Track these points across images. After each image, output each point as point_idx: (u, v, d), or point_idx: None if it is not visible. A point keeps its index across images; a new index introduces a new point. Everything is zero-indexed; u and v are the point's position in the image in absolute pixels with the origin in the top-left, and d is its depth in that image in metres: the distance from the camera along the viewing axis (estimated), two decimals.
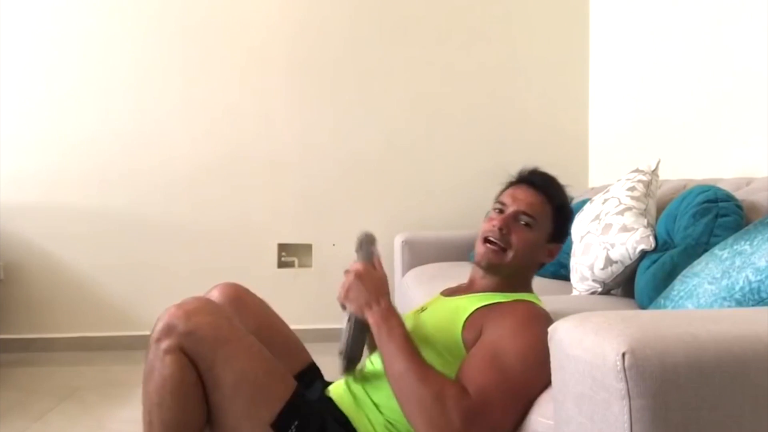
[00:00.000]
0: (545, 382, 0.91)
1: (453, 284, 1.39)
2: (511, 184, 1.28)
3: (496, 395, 0.94)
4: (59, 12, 2.90)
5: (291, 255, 3.08)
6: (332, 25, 3.07)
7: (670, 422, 0.65)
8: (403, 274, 2.71)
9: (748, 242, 1.04)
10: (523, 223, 1.18)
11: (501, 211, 1.21)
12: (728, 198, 1.50)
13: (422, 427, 0.94)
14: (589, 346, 0.70)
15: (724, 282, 1.02)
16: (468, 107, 3.15)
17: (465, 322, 1.09)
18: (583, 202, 2.15)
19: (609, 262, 1.71)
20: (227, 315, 1.13)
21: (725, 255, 1.08)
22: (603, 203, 1.86)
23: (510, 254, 1.16)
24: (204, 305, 1.10)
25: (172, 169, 2.96)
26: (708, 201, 1.50)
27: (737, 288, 0.99)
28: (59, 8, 2.90)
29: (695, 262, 1.19)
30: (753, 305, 0.96)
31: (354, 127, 3.09)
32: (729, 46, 2.04)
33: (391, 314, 1.07)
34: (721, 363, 0.67)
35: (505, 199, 1.23)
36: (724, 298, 1.00)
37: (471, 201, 3.12)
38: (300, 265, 3.09)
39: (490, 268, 1.18)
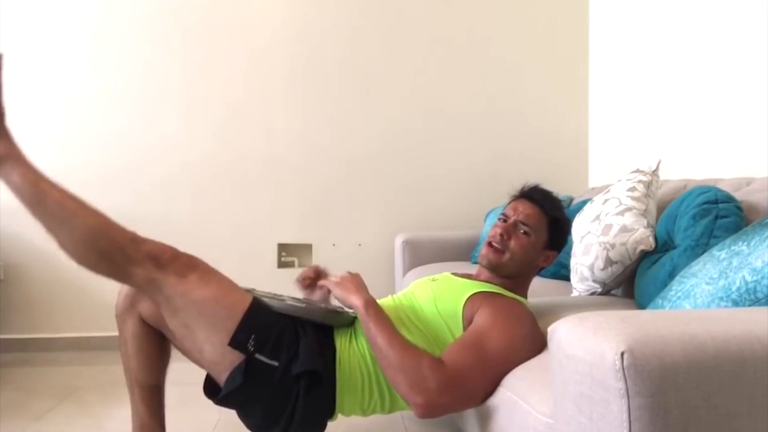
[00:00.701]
0: (516, 364, 1.13)
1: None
2: (514, 198, 1.47)
3: (470, 369, 1.12)
4: (61, 14, 2.90)
5: (291, 255, 3.09)
6: (333, 27, 3.07)
7: (668, 421, 0.65)
8: (404, 274, 2.71)
9: (745, 243, 1.05)
10: (521, 231, 1.38)
11: (505, 221, 1.41)
12: (728, 199, 1.50)
13: (404, 387, 1.11)
14: (588, 346, 0.71)
15: (722, 282, 1.02)
16: (468, 107, 3.15)
17: (468, 298, 1.28)
18: (584, 203, 2.15)
19: (609, 262, 1.71)
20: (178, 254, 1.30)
21: (723, 256, 1.09)
22: (603, 203, 1.86)
23: (507, 255, 1.37)
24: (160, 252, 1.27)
25: (173, 170, 2.96)
26: (708, 202, 1.50)
27: (734, 288, 0.99)
28: (61, 10, 2.90)
29: (693, 263, 1.19)
30: (749, 305, 0.96)
31: (354, 127, 3.10)
32: (729, 46, 2.04)
33: (374, 302, 1.27)
34: (719, 362, 0.67)
35: (508, 211, 1.43)
36: (721, 299, 1.00)
37: (471, 201, 3.13)
38: (300, 265, 3.09)
39: (490, 266, 1.39)
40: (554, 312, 1.41)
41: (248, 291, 1.34)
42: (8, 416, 2.02)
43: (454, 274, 1.49)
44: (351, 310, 1.34)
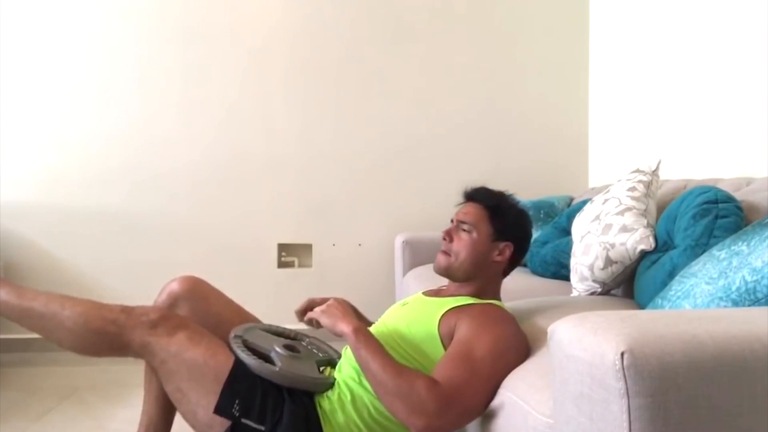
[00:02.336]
0: (510, 369, 1.12)
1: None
2: (458, 204, 1.48)
3: (465, 382, 1.09)
4: (59, 12, 2.90)
5: (291, 255, 3.09)
6: (333, 27, 3.07)
7: (668, 421, 0.65)
8: (404, 274, 2.71)
9: (745, 243, 1.05)
10: (462, 230, 1.38)
11: (449, 228, 1.42)
12: (728, 199, 1.50)
13: (402, 413, 1.08)
14: (588, 346, 0.71)
15: (721, 282, 1.02)
16: (468, 107, 3.15)
17: (441, 318, 1.25)
18: (584, 203, 2.15)
19: (609, 262, 1.71)
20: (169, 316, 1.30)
21: (723, 255, 1.09)
22: (603, 203, 1.86)
23: (453, 258, 1.36)
24: (151, 317, 1.27)
25: (173, 169, 2.96)
26: (708, 202, 1.50)
27: (734, 288, 0.99)
28: (60, 9, 2.90)
29: (693, 263, 1.19)
30: (749, 305, 0.96)
31: (354, 127, 3.10)
32: (729, 46, 2.05)
33: (363, 327, 1.22)
34: (719, 362, 0.67)
35: (453, 217, 1.45)
36: (721, 298, 1.00)
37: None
38: (300, 265, 3.09)
39: (442, 272, 1.39)
40: (554, 312, 1.41)
41: (238, 336, 1.34)
42: (9, 416, 2.02)
43: (425, 293, 1.46)
44: (328, 376, 1.32)
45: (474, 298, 1.32)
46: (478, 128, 3.16)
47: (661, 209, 1.77)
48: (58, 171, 2.92)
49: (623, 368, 0.65)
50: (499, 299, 1.41)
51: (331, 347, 1.50)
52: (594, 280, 1.79)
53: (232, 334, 1.34)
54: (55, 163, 2.92)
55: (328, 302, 1.32)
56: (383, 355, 1.15)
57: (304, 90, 3.06)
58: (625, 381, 0.65)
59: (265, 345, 1.35)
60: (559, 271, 2.16)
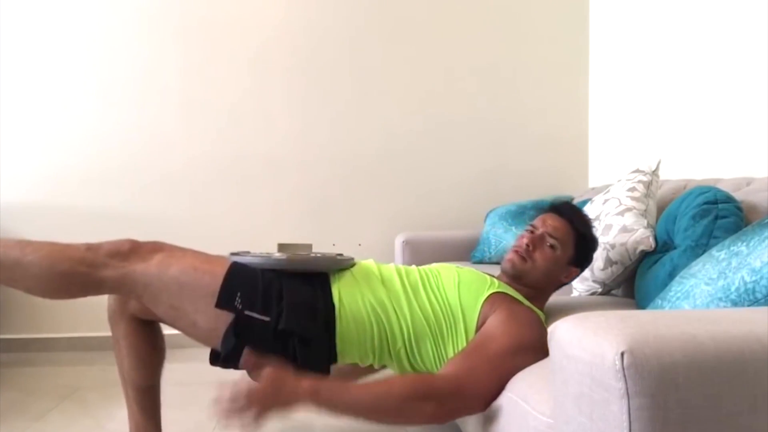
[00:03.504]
0: (521, 368, 1.10)
1: None
2: (543, 212, 1.47)
3: (475, 369, 1.09)
4: (59, 12, 2.90)
5: None
6: (332, 26, 3.07)
7: (668, 421, 0.65)
8: None
9: (744, 243, 1.05)
10: (548, 244, 1.37)
11: (532, 232, 1.41)
12: (728, 199, 1.50)
13: (422, 421, 1.06)
14: (588, 346, 0.71)
15: (720, 283, 1.03)
16: (468, 107, 3.15)
17: (489, 295, 1.26)
18: (584, 203, 2.15)
19: (609, 262, 1.71)
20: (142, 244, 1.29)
21: (722, 256, 1.09)
22: (603, 204, 1.86)
23: (530, 264, 1.36)
24: (124, 250, 1.27)
25: (172, 170, 2.96)
26: (708, 202, 1.50)
27: (733, 289, 0.99)
28: (60, 9, 2.90)
29: (693, 263, 1.19)
30: (748, 306, 0.96)
31: (354, 127, 3.10)
32: (729, 46, 2.05)
33: (316, 386, 1.04)
34: (719, 362, 0.67)
35: (537, 223, 1.42)
36: (720, 299, 1.00)
37: (471, 201, 3.13)
38: None
39: (515, 271, 1.37)
40: (554, 312, 1.41)
41: (234, 254, 1.33)
42: (9, 416, 2.03)
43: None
44: (345, 256, 1.30)
45: (522, 297, 1.32)
46: (479, 128, 3.16)
47: (661, 209, 1.77)
48: (58, 171, 2.92)
49: (623, 368, 0.65)
50: (542, 311, 1.39)
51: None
52: (594, 281, 1.79)
53: (228, 254, 1.32)
54: (55, 163, 2.92)
55: (257, 385, 1.02)
56: (362, 392, 1.06)
57: (304, 90, 3.06)
58: (625, 381, 0.65)
59: (263, 257, 1.32)
60: None
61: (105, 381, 2.39)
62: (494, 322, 1.20)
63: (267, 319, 1.17)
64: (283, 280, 1.24)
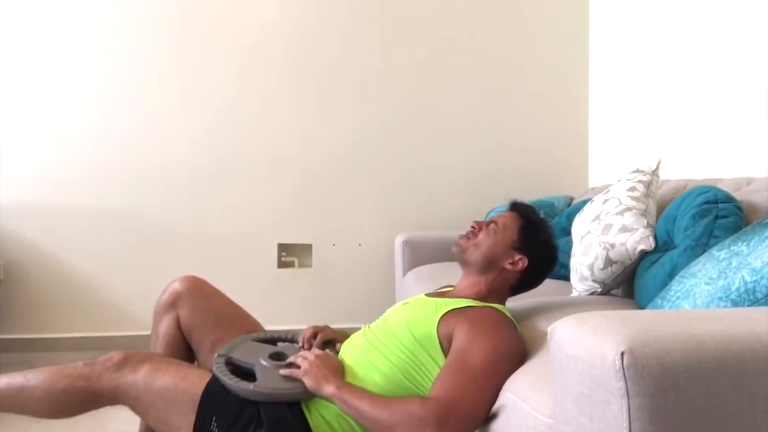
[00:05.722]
0: (507, 375, 1.12)
1: (453, 284, 1.45)
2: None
3: (462, 392, 1.09)
4: (59, 12, 2.90)
5: (291, 255, 3.09)
6: (331, 25, 3.07)
7: (668, 421, 0.65)
8: (404, 274, 2.71)
9: (745, 243, 1.05)
10: (490, 226, 1.44)
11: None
12: (728, 199, 1.50)
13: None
14: (588, 346, 0.71)
15: (721, 282, 1.02)
16: (468, 107, 3.15)
17: (441, 319, 1.26)
18: (584, 203, 2.15)
19: (609, 262, 1.71)
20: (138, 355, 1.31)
21: (722, 256, 1.09)
22: (603, 203, 1.86)
23: (472, 243, 1.42)
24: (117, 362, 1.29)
25: (172, 169, 2.97)
26: (708, 202, 1.50)
27: (733, 288, 0.99)
28: (59, 9, 2.90)
29: (693, 263, 1.19)
30: (748, 305, 0.96)
31: (354, 127, 3.10)
32: (729, 46, 2.05)
33: (346, 384, 1.21)
34: (719, 362, 0.67)
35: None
36: (720, 299, 1.00)
37: (471, 201, 3.13)
38: (300, 265, 3.09)
39: (459, 252, 1.44)
40: (554, 312, 1.41)
41: (221, 355, 1.32)
42: (8, 416, 2.02)
43: (428, 294, 1.47)
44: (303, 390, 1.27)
45: (475, 301, 1.33)
46: (479, 128, 3.16)
47: (661, 209, 1.77)
48: (58, 171, 2.92)
49: (623, 368, 0.65)
50: (502, 303, 1.41)
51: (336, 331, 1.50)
52: (594, 280, 1.79)
53: (215, 355, 1.33)
54: (55, 163, 2.92)
55: (309, 360, 1.26)
56: (371, 397, 1.16)
57: (304, 90, 3.06)
58: (625, 381, 0.65)
59: (250, 359, 1.32)
60: (559, 271, 2.15)
61: None
62: (460, 337, 1.20)
63: None
64: (258, 403, 1.23)
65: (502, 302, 1.42)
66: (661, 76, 2.45)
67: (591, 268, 1.77)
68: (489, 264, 1.39)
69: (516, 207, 1.49)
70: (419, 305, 1.37)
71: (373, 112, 3.11)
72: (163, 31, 2.97)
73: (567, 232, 2.25)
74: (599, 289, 1.80)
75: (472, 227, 1.45)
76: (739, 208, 1.49)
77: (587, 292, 1.83)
